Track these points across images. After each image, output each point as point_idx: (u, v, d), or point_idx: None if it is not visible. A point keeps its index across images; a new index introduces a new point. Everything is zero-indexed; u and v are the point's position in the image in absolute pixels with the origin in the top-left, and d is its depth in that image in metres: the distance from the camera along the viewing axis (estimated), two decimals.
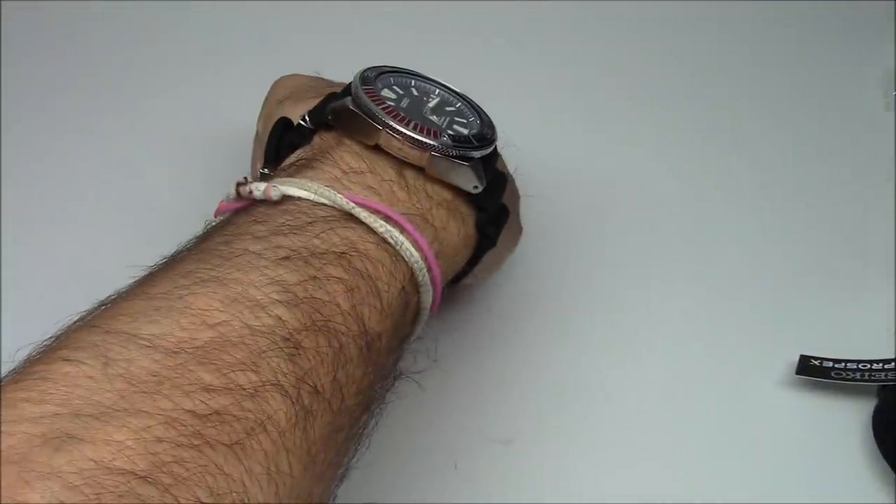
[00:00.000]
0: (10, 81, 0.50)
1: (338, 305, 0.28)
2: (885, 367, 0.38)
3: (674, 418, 0.39)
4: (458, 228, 0.33)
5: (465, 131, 0.34)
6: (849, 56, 0.56)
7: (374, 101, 0.33)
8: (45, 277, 0.42)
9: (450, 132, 0.33)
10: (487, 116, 0.36)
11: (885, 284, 0.43)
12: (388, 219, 0.31)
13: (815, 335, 0.41)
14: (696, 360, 0.41)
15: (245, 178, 0.31)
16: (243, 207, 0.31)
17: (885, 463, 0.37)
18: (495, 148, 0.35)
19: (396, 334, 0.31)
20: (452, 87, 0.36)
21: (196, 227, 0.30)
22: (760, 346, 0.41)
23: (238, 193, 0.31)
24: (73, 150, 0.48)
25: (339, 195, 0.30)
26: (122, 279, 0.27)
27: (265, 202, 0.30)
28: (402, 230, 0.31)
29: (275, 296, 0.26)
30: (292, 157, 0.33)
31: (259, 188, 0.30)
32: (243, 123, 0.43)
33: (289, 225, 0.29)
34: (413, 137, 0.32)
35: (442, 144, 0.32)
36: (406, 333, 0.32)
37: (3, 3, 0.53)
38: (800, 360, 0.39)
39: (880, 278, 0.43)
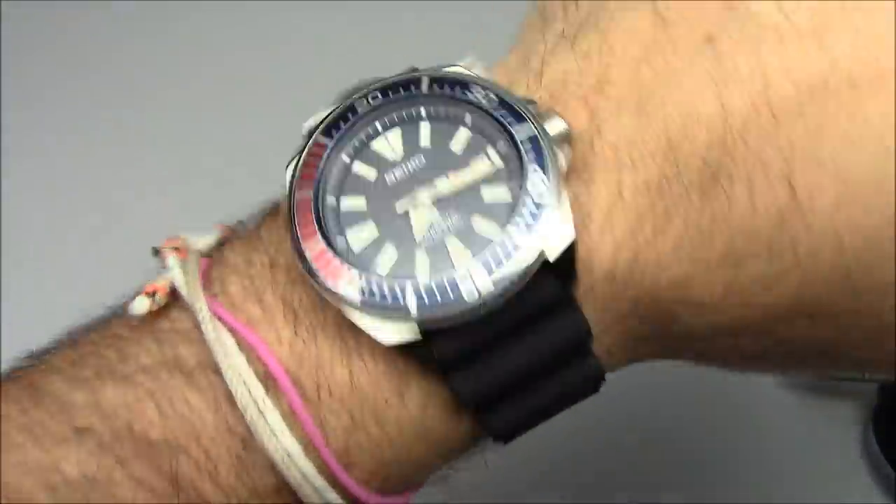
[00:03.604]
0: (10, 81, 0.50)
1: None
2: None
3: (674, 418, 0.39)
4: (411, 400, 0.20)
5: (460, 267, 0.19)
6: None
7: (301, 187, 0.20)
8: (46, 282, 0.42)
9: (374, 279, 0.19)
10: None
11: None
12: (266, 375, 0.19)
13: None
14: None
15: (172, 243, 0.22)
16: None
17: (886, 463, 0.37)
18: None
19: None
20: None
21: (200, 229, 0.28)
22: None
23: (157, 253, 0.22)
24: (74, 152, 0.48)
25: (214, 325, 0.19)
26: (126, 284, 0.27)
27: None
28: (281, 396, 0.19)
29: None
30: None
31: (170, 264, 0.21)
32: (247, 125, 0.43)
33: (141, 365, 0.20)
34: (317, 279, 0.19)
35: (346, 300, 0.19)
36: None
37: (2, 2, 0.53)
38: None
39: None
